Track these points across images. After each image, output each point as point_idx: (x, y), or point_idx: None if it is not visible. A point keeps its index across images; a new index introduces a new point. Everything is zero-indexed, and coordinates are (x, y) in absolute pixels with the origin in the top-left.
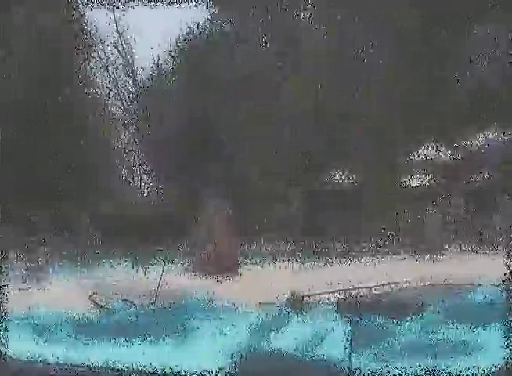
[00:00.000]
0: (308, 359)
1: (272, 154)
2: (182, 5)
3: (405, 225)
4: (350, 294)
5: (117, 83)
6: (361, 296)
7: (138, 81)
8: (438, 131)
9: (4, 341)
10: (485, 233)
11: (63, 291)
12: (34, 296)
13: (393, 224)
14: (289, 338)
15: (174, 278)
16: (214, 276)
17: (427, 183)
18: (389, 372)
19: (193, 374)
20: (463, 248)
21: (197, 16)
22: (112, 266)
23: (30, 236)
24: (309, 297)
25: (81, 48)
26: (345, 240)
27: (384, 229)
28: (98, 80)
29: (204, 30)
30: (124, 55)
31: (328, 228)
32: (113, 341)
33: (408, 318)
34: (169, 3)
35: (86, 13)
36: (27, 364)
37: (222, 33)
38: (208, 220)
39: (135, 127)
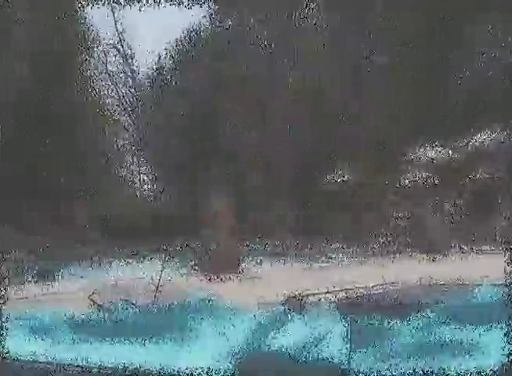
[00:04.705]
0: (308, 359)
1: (273, 154)
2: (183, 5)
3: (405, 225)
4: (350, 294)
5: (116, 83)
6: (361, 296)
7: (139, 81)
8: (437, 131)
9: (3, 341)
10: (486, 232)
11: (62, 291)
12: (33, 296)
13: (393, 224)
14: (289, 338)
15: (174, 278)
16: (214, 276)
17: (427, 183)
18: (389, 372)
19: (193, 374)
20: (463, 248)
21: (198, 15)
22: (112, 266)
23: (30, 236)
24: (309, 297)
25: (81, 48)
26: (345, 239)
27: (384, 229)
28: (98, 80)
29: (205, 29)
30: (124, 55)
31: (328, 228)
32: (113, 341)
33: (408, 318)
34: (170, 3)
35: (86, 13)
36: (27, 364)
37: (223, 32)
38: (208, 219)
39: (135, 127)
